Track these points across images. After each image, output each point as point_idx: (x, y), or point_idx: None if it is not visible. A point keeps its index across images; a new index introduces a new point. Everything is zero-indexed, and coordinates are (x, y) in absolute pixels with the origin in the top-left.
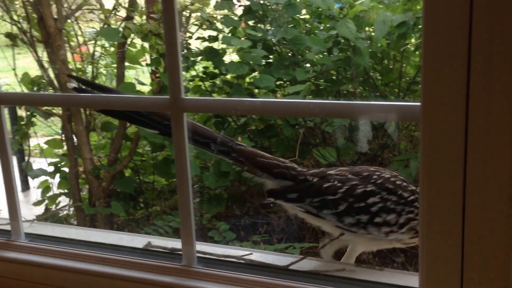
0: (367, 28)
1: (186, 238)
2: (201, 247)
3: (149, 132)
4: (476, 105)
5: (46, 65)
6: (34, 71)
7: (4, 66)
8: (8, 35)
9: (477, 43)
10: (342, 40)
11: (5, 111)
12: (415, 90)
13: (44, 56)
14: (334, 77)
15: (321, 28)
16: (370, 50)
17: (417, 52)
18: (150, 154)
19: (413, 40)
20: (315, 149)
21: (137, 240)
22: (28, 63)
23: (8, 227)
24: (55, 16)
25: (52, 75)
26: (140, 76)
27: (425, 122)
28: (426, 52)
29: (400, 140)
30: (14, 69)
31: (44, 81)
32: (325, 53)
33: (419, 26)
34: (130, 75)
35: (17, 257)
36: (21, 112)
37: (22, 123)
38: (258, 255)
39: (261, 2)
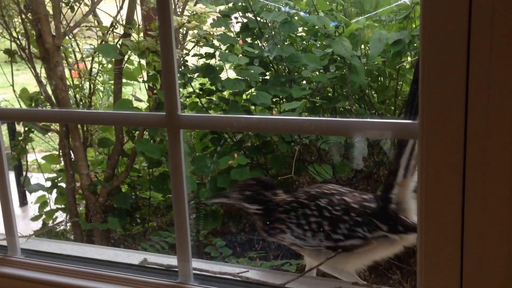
0: (362, 46)
1: (182, 255)
2: (198, 264)
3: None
4: (474, 121)
5: (44, 81)
6: (33, 87)
7: (2, 82)
8: (7, 52)
9: (475, 61)
10: (338, 58)
11: (3, 127)
12: None
13: (42, 72)
14: (330, 95)
15: (317, 46)
16: (366, 68)
17: (412, 70)
18: (147, 170)
19: (408, 58)
20: (310, 166)
21: (133, 257)
22: (26, 79)
23: (4, 243)
24: (54, 33)
25: (50, 91)
26: (137, 93)
27: (423, 139)
28: (423, 69)
29: None
30: (12, 85)
31: (42, 97)
32: (321, 71)
33: (415, 44)
34: (127, 91)
35: (13, 272)
36: (19, 128)
37: (20, 138)
38: (254, 273)
39: (258, 19)
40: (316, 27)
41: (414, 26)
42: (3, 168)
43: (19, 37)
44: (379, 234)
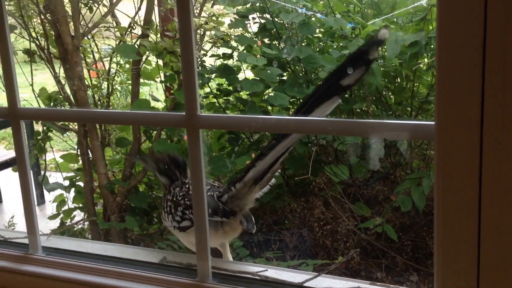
0: (379, 48)
1: (201, 253)
2: (216, 263)
3: (166, 148)
4: (490, 123)
5: (62, 81)
6: (51, 87)
7: (21, 81)
8: (27, 52)
9: (491, 62)
10: None
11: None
12: (428, 109)
13: (61, 72)
14: (347, 96)
15: (334, 47)
16: (382, 69)
17: (429, 71)
18: None
19: (425, 60)
20: (327, 167)
21: (152, 255)
22: (44, 79)
23: (25, 241)
24: (72, 34)
25: (68, 91)
26: (154, 93)
27: (440, 140)
28: (440, 71)
29: (412, 158)
30: (31, 85)
31: (60, 96)
32: None
33: (431, 46)
34: (144, 91)
35: (35, 270)
36: (38, 127)
37: (39, 137)
38: (272, 272)
39: (276, 20)
40: (333, 28)
41: (430, 28)
42: (25, 167)
43: (38, 37)
44: None
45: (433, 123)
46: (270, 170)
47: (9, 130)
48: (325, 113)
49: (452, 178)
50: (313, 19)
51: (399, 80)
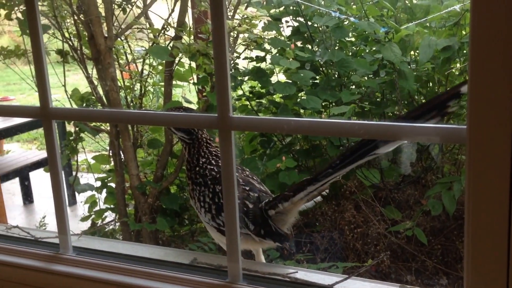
0: (412, 52)
1: (232, 255)
2: (247, 264)
3: None
4: None
5: (95, 82)
6: (83, 87)
7: (54, 82)
8: (59, 52)
9: None
10: (388, 64)
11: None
12: (459, 114)
13: (93, 73)
14: (378, 100)
15: (367, 51)
16: (415, 73)
17: (462, 76)
18: None
19: (458, 65)
20: (358, 170)
21: (183, 256)
22: (77, 80)
23: (56, 240)
24: (106, 35)
25: (101, 92)
26: (187, 95)
27: (471, 144)
28: (472, 75)
29: (443, 163)
30: (64, 85)
31: (93, 97)
32: (371, 76)
33: (464, 51)
34: (177, 93)
35: (65, 270)
36: (70, 128)
37: (71, 138)
38: (302, 274)
39: (309, 23)
40: (366, 32)
41: (464, 33)
42: (57, 167)
43: (71, 38)
44: (245, 231)
45: (464, 127)
46: (318, 190)
47: (40, 130)
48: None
49: (483, 181)
50: (347, 22)
51: (431, 84)
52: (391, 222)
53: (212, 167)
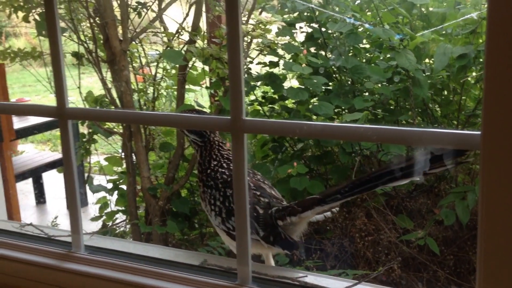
0: (427, 60)
1: (242, 257)
2: (256, 267)
3: None
4: None
5: (109, 84)
6: (97, 90)
7: (69, 84)
8: (75, 54)
9: None
10: (402, 71)
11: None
12: (475, 123)
13: (107, 76)
14: (392, 107)
15: (381, 58)
16: (429, 81)
17: (477, 85)
18: None
19: (473, 73)
20: None
21: (193, 257)
22: (91, 83)
23: (69, 239)
24: (121, 38)
25: (115, 94)
26: (199, 99)
27: (485, 150)
28: (487, 83)
29: (457, 172)
30: (79, 88)
31: (107, 100)
32: (385, 83)
33: (480, 59)
34: (189, 97)
35: (77, 268)
36: (83, 129)
37: (84, 139)
38: (312, 278)
39: (323, 29)
40: (381, 39)
41: (480, 41)
42: (71, 166)
43: (87, 40)
44: (255, 237)
45: (478, 132)
46: (328, 207)
47: (54, 132)
48: None
49: (497, 188)
50: (361, 29)
51: (446, 92)
52: (403, 230)
53: (223, 170)
